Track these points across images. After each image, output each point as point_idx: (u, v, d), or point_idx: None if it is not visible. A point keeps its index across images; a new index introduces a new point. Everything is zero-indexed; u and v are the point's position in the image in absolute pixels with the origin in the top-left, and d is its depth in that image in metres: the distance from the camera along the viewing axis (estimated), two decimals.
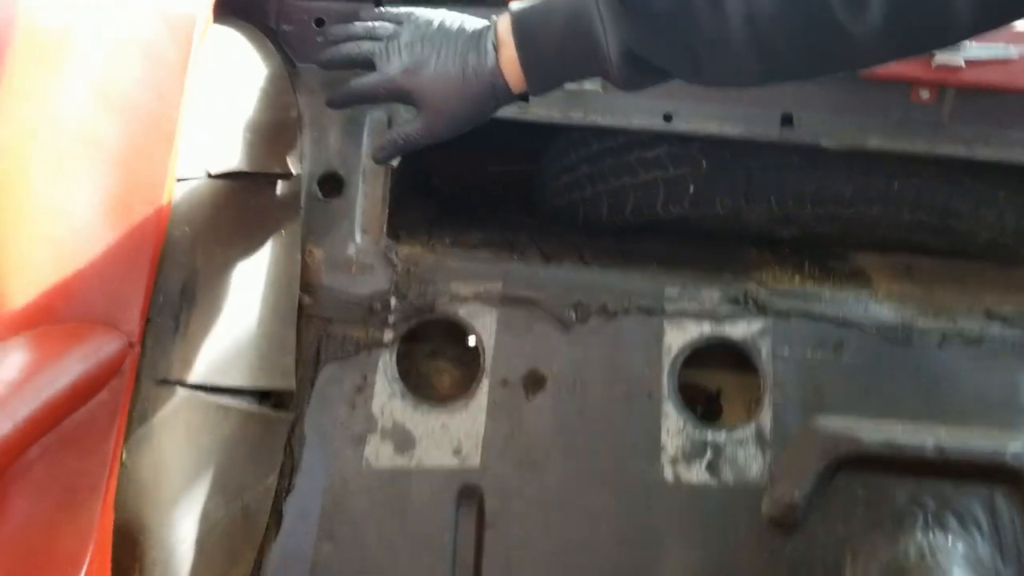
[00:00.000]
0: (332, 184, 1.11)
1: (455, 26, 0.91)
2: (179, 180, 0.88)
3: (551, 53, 0.86)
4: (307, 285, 1.07)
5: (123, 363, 0.81)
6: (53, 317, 0.78)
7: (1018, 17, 0.74)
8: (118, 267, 0.82)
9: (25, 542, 0.73)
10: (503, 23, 0.88)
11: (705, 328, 1.08)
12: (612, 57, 0.83)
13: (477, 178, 1.55)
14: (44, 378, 0.71)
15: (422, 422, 1.06)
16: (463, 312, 1.10)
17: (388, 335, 1.09)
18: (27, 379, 0.70)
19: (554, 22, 0.85)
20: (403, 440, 1.05)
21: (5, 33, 0.69)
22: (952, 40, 0.78)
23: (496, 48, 0.88)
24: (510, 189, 1.52)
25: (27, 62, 0.72)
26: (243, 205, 0.99)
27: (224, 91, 0.97)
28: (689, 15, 0.78)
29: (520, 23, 0.87)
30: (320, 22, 1.09)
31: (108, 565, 0.79)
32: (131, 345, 0.82)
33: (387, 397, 1.07)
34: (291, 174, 1.05)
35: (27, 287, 0.76)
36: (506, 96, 0.90)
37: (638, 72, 0.84)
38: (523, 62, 0.87)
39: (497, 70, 0.88)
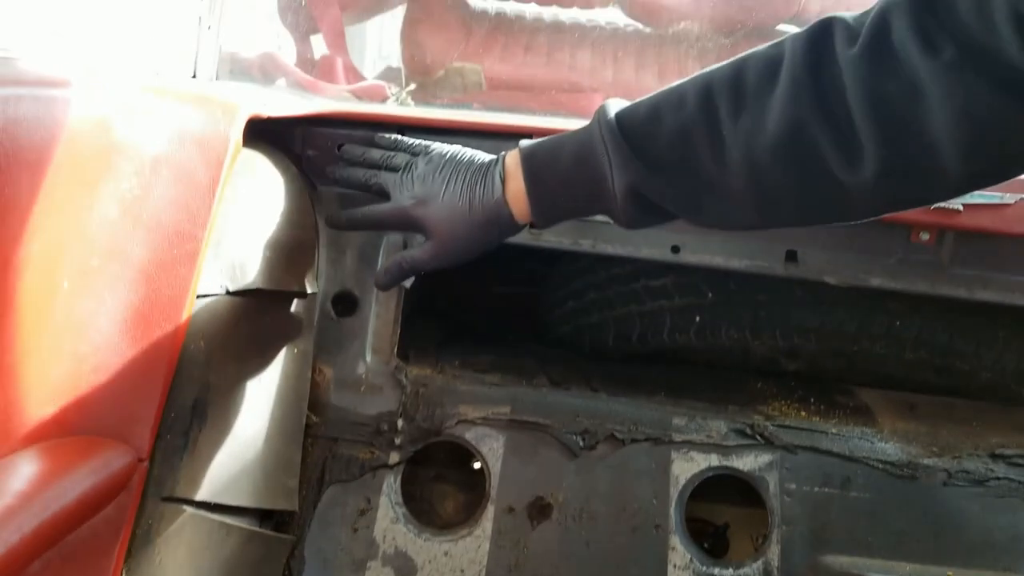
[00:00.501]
0: (346, 304, 1.13)
1: (466, 159, 0.95)
2: (199, 296, 0.90)
3: (558, 189, 0.89)
4: (315, 404, 1.08)
5: (131, 478, 0.81)
6: (66, 430, 0.78)
7: (1005, 175, 0.75)
8: (133, 382, 0.83)
9: None
10: (511, 157, 0.91)
11: (712, 459, 1.08)
12: (617, 196, 0.85)
13: (483, 300, 1.57)
14: (53, 491, 0.71)
15: (425, 549, 1.05)
16: (470, 436, 1.10)
17: (394, 457, 1.08)
18: (36, 492, 0.70)
19: (562, 159, 0.88)
20: (405, 567, 1.04)
21: (49, 149, 0.72)
22: (943, 196, 0.80)
23: (503, 180, 0.91)
24: (516, 312, 1.54)
25: (65, 178, 0.75)
26: (258, 321, 1.00)
27: (249, 211, 1.00)
28: (693, 161, 0.81)
29: (529, 158, 0.90)
30: (342, 147, 1.13)
31: None
32: (140, 460, 0.82)
33: (390, 521, 1.05)
34: (307, 293, 1.07)
35: (43, 400, 0.76)
36: (511, 227, 0.93)
37: (642, 212, 0.86)
38: (530, 195, 0.90)
39: (503, 201, 0.91)
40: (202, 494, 0.89)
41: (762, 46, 0.81)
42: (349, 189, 1.03)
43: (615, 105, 0.86)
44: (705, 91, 0.80)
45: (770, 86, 0.77)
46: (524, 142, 0.91)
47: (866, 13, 0.75)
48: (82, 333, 0.79)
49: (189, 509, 0.87)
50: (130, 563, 0.82)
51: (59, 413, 0.77)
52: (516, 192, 0.90)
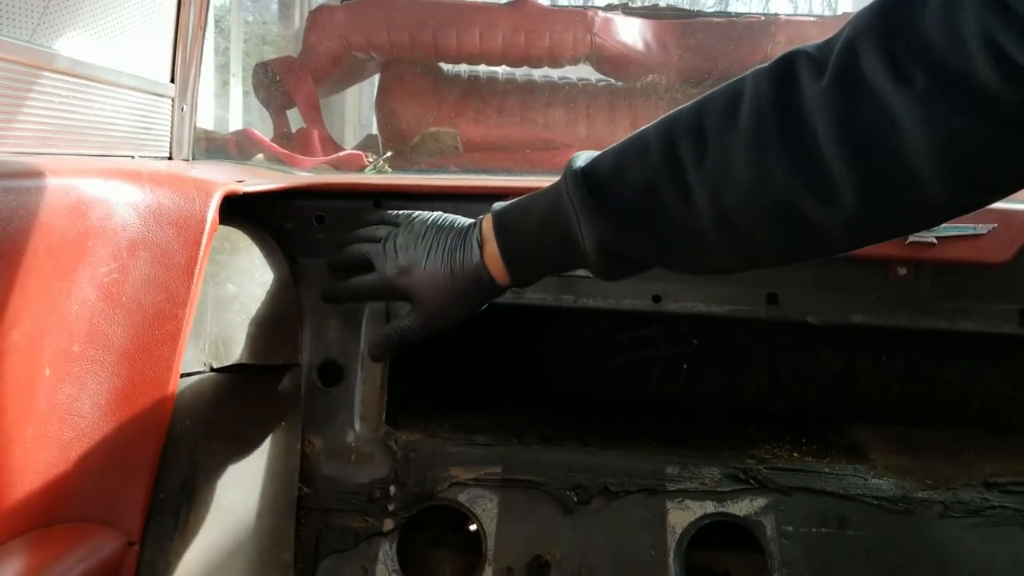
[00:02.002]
0: (332, 373, 1.13)
1: (445, 225, 0.95)
2: (183, 375, 0.90)
3: (531, 248, 0.88)
4: (307, 475, 1.07)
5: (121, 564, 0.80)
6: (54, 518, 0.78)
7: (989, 201, 0.72)
8: (120, 466, 0.82)
9: None
10: (487, 221, 0.92)
11: (708, 506, 1.08)
12: (589, 251, 0.83)
13: (470, 361, 1.57)
14: None
15: None
16: (463, 498, 1.09)
17: (388, 524, 1.07)
18: None
19: (531, 219, 0.88)
20: None
21: (24, 239, 0.73)
22: (925, 225, 0.78)
23: (481, 245, 0.91)
24: (504, 370, 1.54)
25: (42, 266, 0.75)
26: (245, 397, 1.00)
27: (230, 288, 1.01)
28: (661, 210, 0.78)
29: (500, 221, 0.90)
30: (320, 219, 1.15)
31: None
32: (130, 544, 0.81)
33: None
34: (292, 365, 1.07)
35: (29, 488, 0.76)
36: (493, 290, 0.92)
37: (616, 264, 0.84)
38: (504, 258, 0.89)
39: (482, 265, 0.91)
40: None
41: (723, 84, 0.78)
42: (344, 270, 1.04)
43: (583, 158, 0.85)
44: (667, 137, 0.78)
45: (732, 126, 0.74)
46: (497, 205, 0.92)
47: (830, 43, 0.72)
48: (66, 419, 0.79)
49: None
50: None
51: (46, 501, 0.77)
52: (494, 256, 0.90)
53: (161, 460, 0.86)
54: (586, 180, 0.82)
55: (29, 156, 0.84)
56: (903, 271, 1.14)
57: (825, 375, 1.30)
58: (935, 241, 1.10)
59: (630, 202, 0.80)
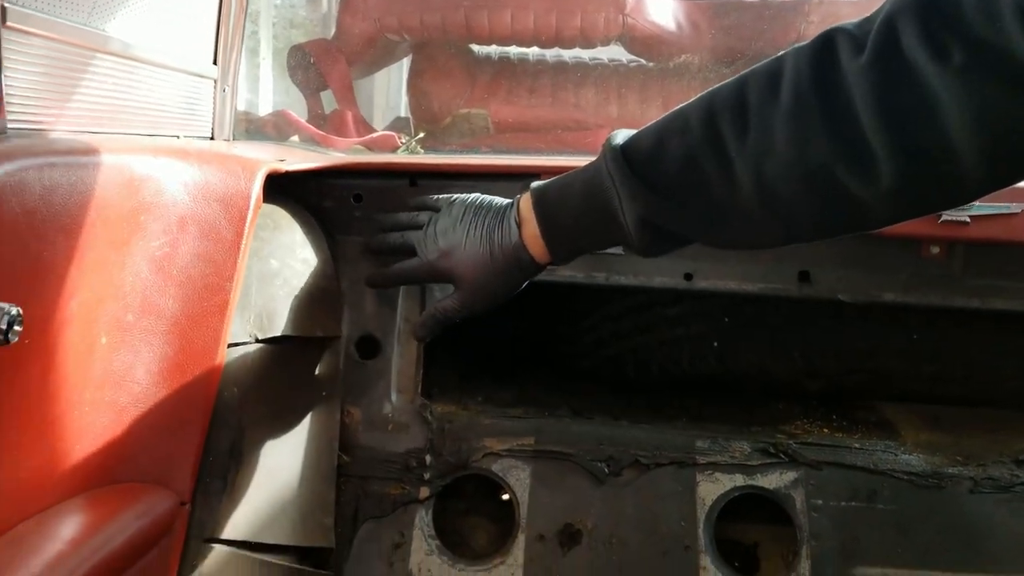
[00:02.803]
0: (369, 346, 1.16)
1: (483, 206, 0.97)
2: (230, 345, 0.94)
3: (571, 227, 0.89)
4: (346, 444, 1.11)
5: (174, 522, 0.84)
6: (110, 478, 0.82)
7: None
8: (172, 430, 0.86)
9: None
10: (524, 200, 0.93)
11: (737, 479, 1.10)
12: (630, 227, 0.84)
13: (503, 338, 1.60)
14: (102, 537, 0.74)
15: None
16: (497, 468, 1.12)
17: (424, 492, 1.11)
18: (86, 538, 0.73)
19: (572, 197, 0.89)
20: None
21: (82, 213, 0.76)
22: (963, 199, 0.77)
23: (519, 224, 0.92)
24: (535, 349, 1.57)
25: (98, 240, 0.79)
26: (287, 367, 1.04)
27: (272, 263, 1.04)
28: (702, 185, 0.79)
29: (540, 200, 0.91)
30: (358, 197, 1.18)
31: None
32: (182, 504, 0.85)
33: (424, 554, 1.08)
34: (332, 337, 1.11)
35: (87, 450, 0.80)
36: (532, 268, 0.94)
37: (658, 239, 0.85)
38: (545, 236, 0.91)
39: (521, 245, 0.92)
40: (242, 534, 0.91)
41: (763, 62, 0.79)
42: (386, 255, 1.06)
43: (621, 136, 0.86)
44: (708, 113, 0.79)
45: (773, 103, 0.75)
46: (535, 184, 0.93)
47: (869, 20, 0.73)
48: (121, 385, 0.82)
49: (231, 549, 0.90)
50: None
51: (103, 462, 0.80)
52: (532, 234, 0.91)
53: (210, 425, 0.90)
54: (626, 157, 0.83)
55: (84, 135, 0.88)
56: (936, 250, 1.15)
57: (856, 353, 1.31)
58: (968, 220, 1.10)
59: (671, 178, 0.81)
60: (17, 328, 0.56)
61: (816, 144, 0.73)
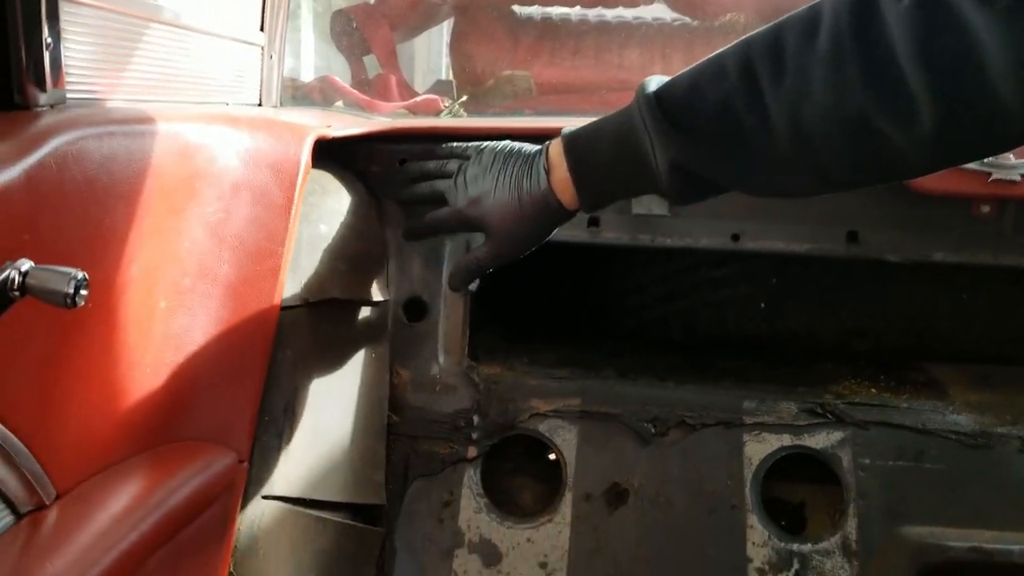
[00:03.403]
0: (416, 309, 1.18)
1: (512, 153, 0.96)
2: (283, 308, 0.96)
3: (602, 171, 0.89)
4: (395, 404, 1.13)
5: (233, 479, 0.87)
6: (171, 437, 0.85)
7: None
8: (229, 390, 0.89)
9: None
10: (555, 146, 0.92)
11: (785, 439, 1.10)
12: (661, 173, 0.83)
13: (546, 302, 1.61)
14: (165, 493, 0.77)
15: (508, 536, 1.09)
16: (543, 428, 1.14)
17: (472, 451, 1.13)
18: (150, 494, 0.76)
19: (603, 141, 0.88)
20: (490, 554, 1.08)
21: (140, 181, 0.78)
22: (1003, 146, 0.76)
23: (548, 170, 0.92)
24: (579, 312, 1.58)
25: (155, 206, 0.81)
26: (337, 330, 1.06)
27: (321, 227, 1.06)
28: (738, 132, 0.79)
29: (571, 144, 0.90)
30: (403, 162, 1.19)
31: None
32: (240, 462, 0.88)
33: (473, 512, 1.10)
34: (379, 300, 1.13)
35: (149, 410, 0.83)
36: (561, 215, 0.94)
37: (689, 186, 0.85)
38: (575, 181, 0.90)
39: (549, 191, 0.92)
40: (298, 491, 0.94)
41: (800, 8, 0.77)
42: (415, 204, 1.07)
43: (655, 82, 0.85)
44: (744, 59, 0.78)
45: (811, 48, 0.74)
46: (566, 129, 0.92)
47: None
48: (180, 347, 0.85)
49: (287, 505, 0.93)
50: (236, 557, 0.88)
51: (164, 421, 0.83)
52: (562, 180, 0.91)
53: (265, 385, 0.92)
54: (659, 102, 0.82)
55: (139, 104, 0.90)
56: (986, 208, 1.13)
57: (905, 314, 1.30)
58: (1019, 178, 1.08)
59: (705, 123, 0.80)
60: (84, 292, 0.58)
61: (854, 89, 0.72)
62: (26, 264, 0.58)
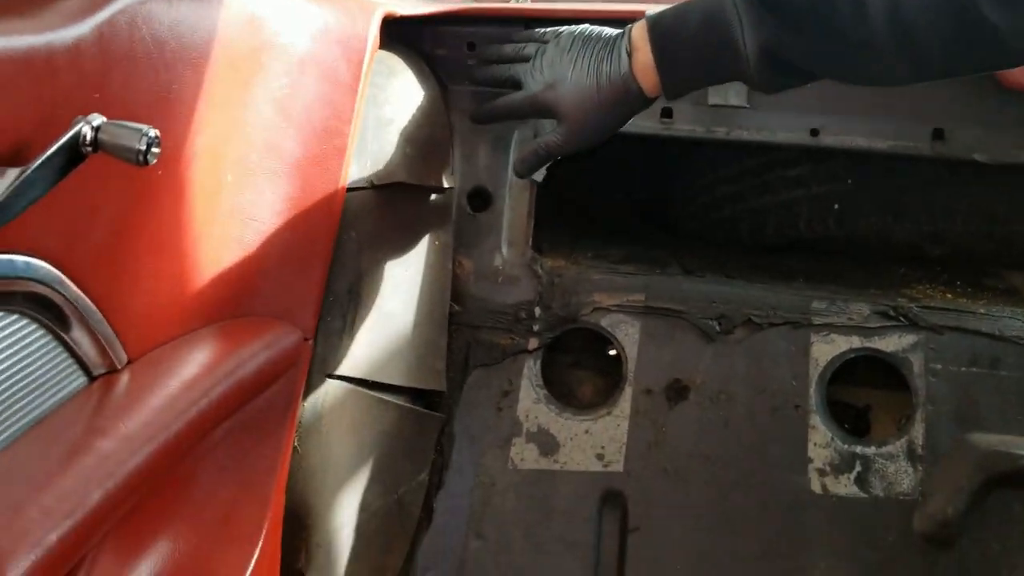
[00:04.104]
0: (480, 199, 1.16)
1: (592, 37, 0.93)
2: (348, 189, 0.95)
3: (687, 56, 0.86)
4: (457, 294, 1.13)
5: (298, 356, 0.87)
6: (239, 311, 0.85)
7: None
8: (296, 268, 0.89)
9: (208, 517, 0.80)
10: (638, 29, 0.89)
11: (854, 341, 1.07)
12: (750, 58, 0.81)
13: (607, 207, 1.58)
14: (233, 362, 0.78)
15: (566, 427, 1.09)
16: (606, 322, 1.12)
17: (533, 343, 1.12)
18: (220, 363, 0.77)
19: (690, 24, 0.85)
20: (547, 444, 1.09)
21: (208, 48, 0.77)
22: None
23: (630, 54, 0.89)
24: (641, 216, 1.55)
25: (222, 76, 0.80)
26: (402, 215, 1.05)
27: (387, 109, 1.04)
28: (830, 14, 0.76)
29: (655, 27, 0.87)
30: (471, 46, 1.15)
31: (279, 544, 0.85)
32: (305, 340, 0.88)
33: (532, 402, 1.10)
34: (445, 188, 1.11)
35: (217, 283, 0.83)
36: (640, 102, 0.91)
37: (778, 73, 0.82)
38: (659, 65, 0.87)
39: (631, 75, 0.89)
40: (360, 372, 0.95)
41: None
42: (489, 87, 1.05)
43: None
44: None
45: None
46: (651, 11, 0.89)
47: None
48: (247, 223, 0.85)
49: (350, 386, 0.94)
50: (300, 433, 0.89)
51: (232, 295, 0.84)
52: (644, 64, 0.88)
53: (330, 266, 0.92)
54: None
55: None
56: None
57: (986, 218, 1.24)
58: None
59: (799, 6, 0.78)
60: (155, 150, 0.57)
61: None
62: (98, 119, 0.57)
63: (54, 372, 0.68)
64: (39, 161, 0.55)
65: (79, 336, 0.68)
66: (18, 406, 0.64)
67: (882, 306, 1.08)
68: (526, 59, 0.98)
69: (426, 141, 1.09)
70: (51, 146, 0.56)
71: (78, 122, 0.56)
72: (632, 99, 0.90)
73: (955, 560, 1.00)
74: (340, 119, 0.93)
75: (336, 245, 0.93)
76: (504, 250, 1.15)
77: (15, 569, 0.54)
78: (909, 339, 1.07)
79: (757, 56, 0.81)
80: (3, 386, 0.62)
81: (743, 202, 1.42)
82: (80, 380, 0.70)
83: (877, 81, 0.84)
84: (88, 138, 0.56)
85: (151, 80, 0.69)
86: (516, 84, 0.99)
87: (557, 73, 0.93)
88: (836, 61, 0.80)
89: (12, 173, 0.54)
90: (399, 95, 1.07)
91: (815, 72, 0.82)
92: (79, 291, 0.66)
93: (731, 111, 1.12)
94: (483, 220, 1.16)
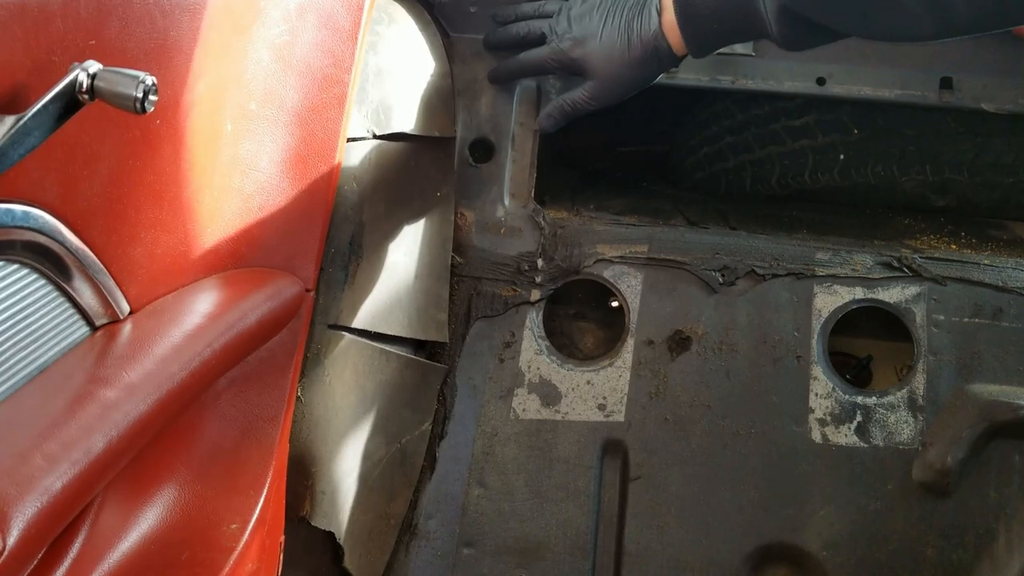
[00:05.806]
0: (483, 150, 1.15)
1: None
2: (349, 140, 0.94)
3: (709, 14, 0.87)
4: (459, 245, 1.12)
5: (300, 307, 0.87)
6: (240, 262, 0.85)
7: None
8: (297, 219, 0.88)
9: (213, 465, 0.81)
10: None
11: (857, 292, 1.07)
12: (770, 16, 0.82)
13: (608, 159, 1.57)
14: (237, 313, 0.78)
15: (567, 378, 1.09)
16: (608, 274, 1.12)
17: (535, 294, 1.12)
18: (222, 313, 0.77)
19: None
20: (549, 394, 1.09)
21: None
22: None
23: (660, 12, 0.89)
24: (643, 167, 1.53)
25: (220, 23, 0.78)
26: (404, 166, 1.04)
27: (388, 58, 1.03)
28: None
29: None
30: None
31: (284, 492, 0.86)
32: (307, 291, 0.88)
33: (534, 353, 1.10)
34: (447, 138, 1.10)
35: (217, 234, 0.83)
36: (669, 59, 0.92)
37: (800, 30, 0.82)
38: (681, 24, 0.88)
39: (661, 33, 0.90)
40: (362, 323, 0.95)
41: None
42: (507, 49, 1.04)
43: None
44: None
45: None
46: None
47: None
48: (247, 173, 0.84)
49: (352, 336, 0.94)
50: (303, 383, 0.90)
51: (233, 246, 0.84)
52: (673, 23, 0.89)
53: (331, 217, 0.92)
54: None
55: None
56: None
57: (992, 168, 1.23)
58: None
59: None
60: (153, 98, 0.56)
61: None
62: (94, 66, 0.56)
63: (56, 322, 0.68)
64: (35, 108, 0.54)
65: (80, 286, 0.68)
66: (20, 356, 0.64)
67: (886, 257, 1.08)
68: (548, 15, 0.98)
69: (427, 91, 1.08)
70: (47, 93, 0.55)
71: (74, 69, 0.56)
72: (662, 56, 0.91)
73: (953, 509, 1.01)
74: (339, 67, 0.92)
75: (337, 196, 0.92)
76: (506, 201, 1.14)
77: (21, 515, 0.54)
78: (912, 290, 1.06)
79: (778, 15, 0.81)
80: (5, 336, 0.62)
81: (748, 152, 1.41)
82: (82, 330, 0.70)
83: (900, 37, 0.83)
84: (85, 85, 0.55)
85: (147, 27, 0.68)
86: (537, 40, 0.98)
87: (587, 29, 0.94)
88: (860, 16, 0.79)
89: (8, 120, 0.54)
90: (400, 44, 1.06)
91: (837, 29, 0.82)
92: (79, 241, 0.66)
93: (737, 59, 1.11)
94: (485, 171, 1.15)
